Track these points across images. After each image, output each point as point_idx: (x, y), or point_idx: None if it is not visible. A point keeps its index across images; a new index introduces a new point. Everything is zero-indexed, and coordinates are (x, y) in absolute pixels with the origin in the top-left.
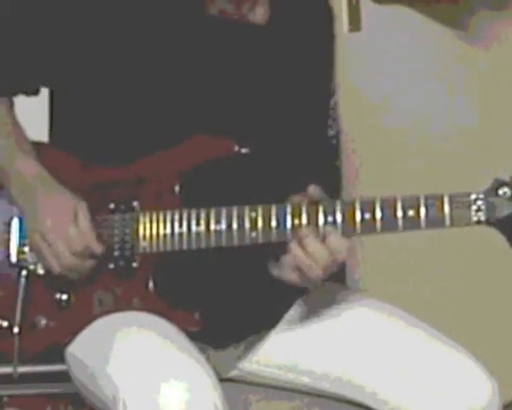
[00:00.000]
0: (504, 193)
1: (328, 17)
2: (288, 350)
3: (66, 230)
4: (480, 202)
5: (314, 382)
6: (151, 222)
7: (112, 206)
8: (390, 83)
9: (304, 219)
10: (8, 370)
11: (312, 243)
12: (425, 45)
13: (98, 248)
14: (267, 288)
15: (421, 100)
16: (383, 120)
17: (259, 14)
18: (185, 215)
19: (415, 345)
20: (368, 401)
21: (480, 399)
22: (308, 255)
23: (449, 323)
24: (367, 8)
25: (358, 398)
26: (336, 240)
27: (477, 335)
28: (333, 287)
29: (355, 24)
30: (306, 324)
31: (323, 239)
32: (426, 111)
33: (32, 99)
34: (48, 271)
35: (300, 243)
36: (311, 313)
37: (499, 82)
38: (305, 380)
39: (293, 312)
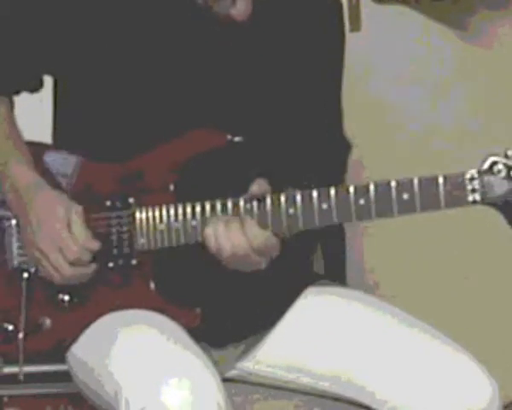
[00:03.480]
0: (499, 171)
1: (333, 9)
2: (288, 350)
3: (60, 239)
4: (475, 182)
5: (314, 382)
6: (147, 218)
7: (108, 203)
8: (390, 83)
9: (299, 208)
10: (8, 370)
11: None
12: (425, 45)
13: (95, 246)
14: (267, 287)
15: (420, 100)
16: (383, 119)
17: (241, 10)
18: (180, 210)
19: (415, 345)
20: (367, 401)
21: (479, 399)
22: (225, 239)
23: (449, 323)
24: (367, 8)
25: (358, 398)
26: (253, 228)
27: (477, 335)
28: (333, 287)
29: (355, 24)
30: (306, 324)
31: (242, 226)
32: (425, 111)
33: (35, 100)
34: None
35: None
36: (311, 313)
37: (499, 82)
38: (305, 380)
39: (293, 312)
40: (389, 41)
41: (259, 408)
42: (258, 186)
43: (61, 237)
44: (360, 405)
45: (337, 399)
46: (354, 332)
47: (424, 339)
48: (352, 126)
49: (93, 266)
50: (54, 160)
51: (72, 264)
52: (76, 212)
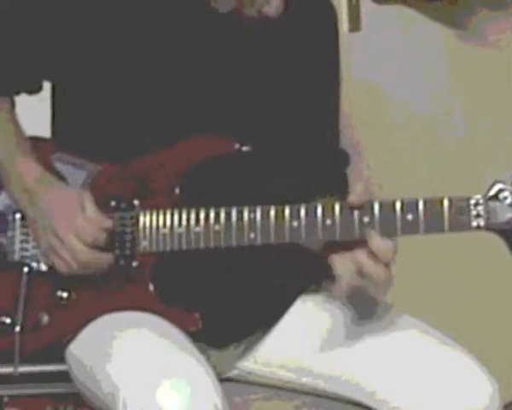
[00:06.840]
0: (505, 198)
1: (333, 17)
2: (289, 350)
3: (75, 221)
4: (479, 208)
5: (314, 382)
6: (151, 221)
7: (113, 203)
8: (390, 83)
9: (303, 221)
10: (8, 370)
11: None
12: (425, 45)
13: (110, 224)
14: (267, 288)
15: (421, 100)
16: (383, 119)
17: (274, 6)
18: (185, 215)
19: (415, 345)
20: (368, 401)
21: (480, 399)
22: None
23: (449, 323)
24: (367, 8)
25: (358, 398)
26: (380, 242)
27: (477, 335)
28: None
29: (355, 24)
30: (306, 323)
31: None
32: (426, 111)
33: (34, 100)
34: (50, 267)
35: (371, 255)
36: (312, 312)
37: (499, 82)
38: (305, 380)
39: (293, 311)
40: (389, 41)
41: (259, 408)
42: (358, 197)
43: (76, 219)
44: (360, 405)
45: (337, 399)
46: (354, 332)
47: (424, 339)
48: (352, 127)
49: (109, 256)
50: (65, 168)
51: (88, 246)
52: (88, 195)
